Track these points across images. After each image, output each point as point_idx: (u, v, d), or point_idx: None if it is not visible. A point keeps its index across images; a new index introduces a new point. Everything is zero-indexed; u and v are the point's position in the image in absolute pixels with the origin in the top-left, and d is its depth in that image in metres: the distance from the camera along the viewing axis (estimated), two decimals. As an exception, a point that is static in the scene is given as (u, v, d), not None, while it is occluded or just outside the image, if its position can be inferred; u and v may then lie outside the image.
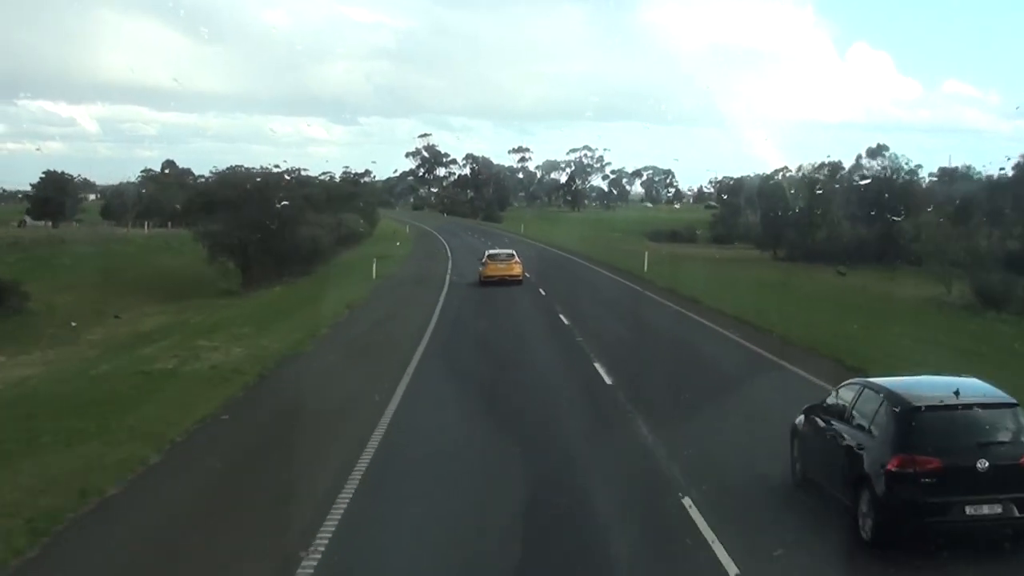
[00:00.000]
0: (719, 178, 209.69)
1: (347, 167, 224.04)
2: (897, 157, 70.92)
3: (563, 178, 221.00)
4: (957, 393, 11.40)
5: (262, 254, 54.27)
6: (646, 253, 55.39)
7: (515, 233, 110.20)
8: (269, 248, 54.15)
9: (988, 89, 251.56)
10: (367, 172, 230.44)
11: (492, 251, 52.86)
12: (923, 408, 11.26)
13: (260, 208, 53.53)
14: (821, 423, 12.93)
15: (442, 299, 41.74)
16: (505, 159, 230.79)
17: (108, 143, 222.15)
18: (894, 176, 68.74)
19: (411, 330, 30.83)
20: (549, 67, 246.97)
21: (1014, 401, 11.51)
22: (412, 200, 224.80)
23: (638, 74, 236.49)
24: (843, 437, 12.14)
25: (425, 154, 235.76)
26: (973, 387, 11.89)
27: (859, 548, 11.11)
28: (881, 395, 11.82)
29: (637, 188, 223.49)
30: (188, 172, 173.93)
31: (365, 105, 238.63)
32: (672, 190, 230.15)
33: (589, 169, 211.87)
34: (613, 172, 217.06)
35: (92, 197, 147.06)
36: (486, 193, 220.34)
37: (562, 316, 34.53)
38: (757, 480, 14.09)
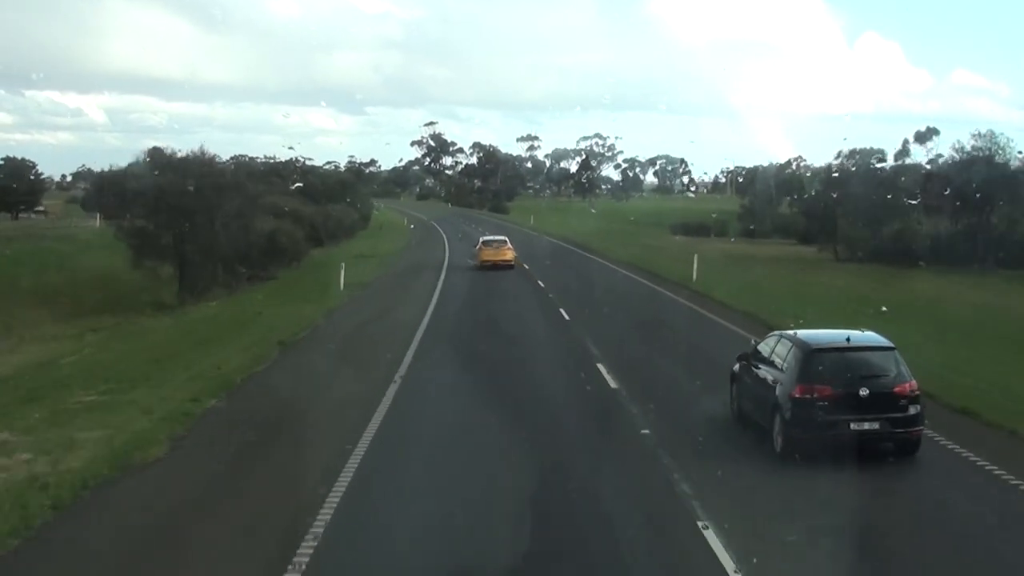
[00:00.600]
0: (731, 168, 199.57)
1: (352, 156, 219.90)
2: (996, 136, 56.87)
3: (573, 167, 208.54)
4: (848, 340, 14.89)
5: (203, 256, 42.04)
6: (695, 257, 42.67)
7: (524, 226, 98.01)
8: (211, 249, 41.93)
9: (998, 80, 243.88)
10: (372, 161, 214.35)
11: (486, 237, 54.97)
12: (819, 349, 14.66)
13: (198, 199, 41.28)
14: (750, 366, 16.13)
15: (420, 333, 28.36)
16: (513, 148, 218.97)
17: (116, 133, 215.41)
18: (990, 158, 55.40)
19: (347, 425, 16.37)
20: (558, 58, 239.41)
21: (892, 346, 14.70)
22: (419, 190, 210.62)
23: (647, 65, 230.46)
24: (764, 375, 15.40)
25: (431, 143, 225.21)
26: (865, 336, 15.19)
27: (772, 459, 14.30)
28: (791, 342, 15.09)
29: (649, 177, 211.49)
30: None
31: (373, 95, 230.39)
32: (685, 179, 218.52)
33: (600, 158, 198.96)
34: (625, 161, 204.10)
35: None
36: (493, 183, 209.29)
37: (643, 428, 16.64)
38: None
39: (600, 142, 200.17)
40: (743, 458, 14.74)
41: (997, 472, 13.68)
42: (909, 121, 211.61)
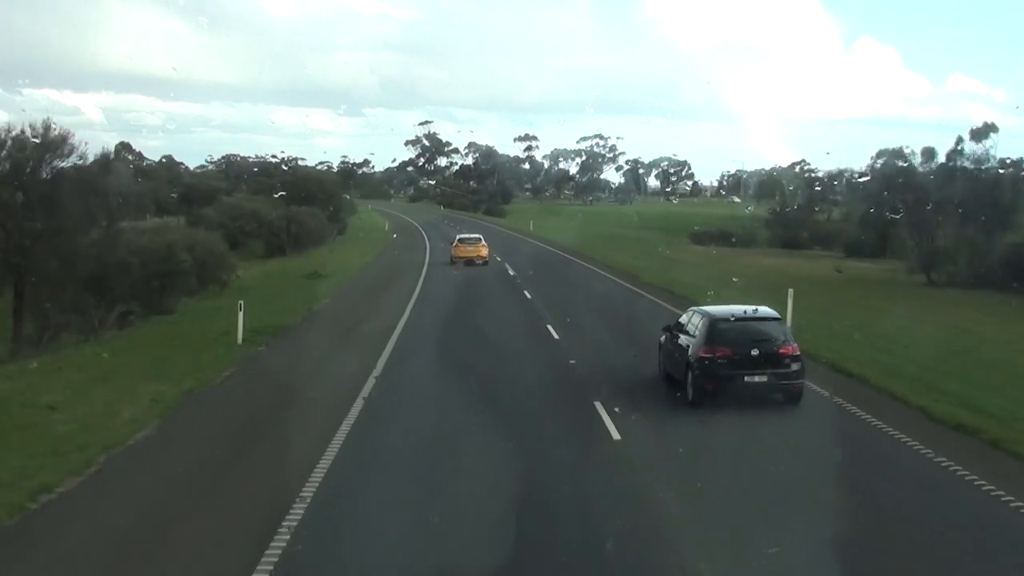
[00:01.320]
0: (732, 172, 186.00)
1: (346, 156, 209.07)
2: None
3: (572, 169, 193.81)
4: (744, 312, 18.25)
5: (52, 285, 27.38)
6: (790, 294, 26.89)
7: (523, 232, 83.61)
8: (66, 274, 27.27)
9: (995, 85, 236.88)
10: (366, 162, 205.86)
11: (461, 235, 56.42)
12: (720, 319, 17.96)
13: (46, 204, 26.65)
14: (672, 335, 19.43)
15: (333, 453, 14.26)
16: (511, 149, 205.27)
17: (112, 132, 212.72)
18: None
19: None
20: (555, 60, 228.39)
21: (778, 316, 18.63)
22: (412, 191, 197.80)
23: (644, 68, 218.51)
24: (681, 341, 18.67)
25: (426, 142, 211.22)
26: (761, 310, 18.42)
27: (685, 406, 17.56)
28: (701, 314, 18.57)
29: (651, 180, 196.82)
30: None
31: (370, 97, 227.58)
32: (689, 183, 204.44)
33: (601, 159, 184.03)
34: (628, 162, 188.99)
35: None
36: (490, 184, 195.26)
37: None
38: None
39: (601, 143, 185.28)
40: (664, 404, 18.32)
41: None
42: (906, 127, 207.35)
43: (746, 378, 17.25)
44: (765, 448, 14.93)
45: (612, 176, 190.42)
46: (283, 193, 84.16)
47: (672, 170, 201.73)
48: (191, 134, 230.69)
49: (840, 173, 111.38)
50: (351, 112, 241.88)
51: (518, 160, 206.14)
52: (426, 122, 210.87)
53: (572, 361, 22.49)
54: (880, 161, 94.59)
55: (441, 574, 9.84)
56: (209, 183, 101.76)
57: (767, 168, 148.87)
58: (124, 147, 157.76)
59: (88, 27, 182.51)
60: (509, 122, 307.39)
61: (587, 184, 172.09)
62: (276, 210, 74.12)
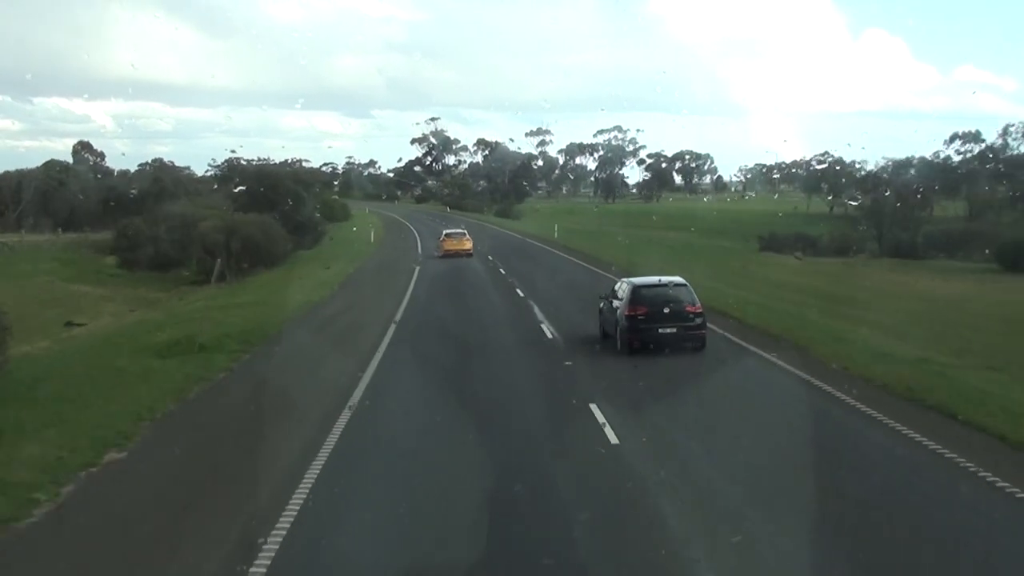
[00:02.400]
0: (750, 165, 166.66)
1: (350, 157, 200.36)
2: None
3: (591, 164, 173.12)
4: (659, 280, 23.12)
5: None
6: None
7: (546, 241, 63.44)
8: None
9: (1004, 75, 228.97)
10: (372, 162, 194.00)
11: (448, 231, 59.32)
12: (641, 286, 22.55)
13: None
14: (607, 300, 23.73)
15: None
16: (523, 144, 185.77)
17: (124, 139, 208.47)
18: None
19: None
20: (562, 59, 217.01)
21: (685, 282, 22.68)
22: (419, 191, 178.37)
23: (652, 64, 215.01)
24: (613, 305, 23.03)
25: (433, 140, 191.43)
26: (673, 278, 23.21)
27: (617, 353, 21.69)
28: (627, 282, 23.21)
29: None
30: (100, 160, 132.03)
31: (378, 99, 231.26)
32: (711, 178, 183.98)
33: (621, 153, 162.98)
34: (650, 156, 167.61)
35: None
36: (500, 182, 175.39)
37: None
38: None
39: (620, 136, 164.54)
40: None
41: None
42: (916, 118, 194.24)
43: (660, 330, 21.56)
44: (671, 369, 20.37)
45: (632, 171, 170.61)
46: (242, 188, 65.73)
47: (694, 164, 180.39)
48: (201, 139, 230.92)
49: (907, 161, 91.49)
50: (359, 114, 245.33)
51: (531, 156, 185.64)
52: (433, 118, 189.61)
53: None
54: (951, 148, 75.30)
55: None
56: (142, 188, 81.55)
57: (785, 161, 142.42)
58: (84, 146, 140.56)
59: (96, 35, 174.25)
60: (518, 121, 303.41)
61: (607, 180, 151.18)
62: (214, 219, 54.49)
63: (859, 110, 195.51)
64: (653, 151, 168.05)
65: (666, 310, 21.50)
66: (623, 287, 22.82)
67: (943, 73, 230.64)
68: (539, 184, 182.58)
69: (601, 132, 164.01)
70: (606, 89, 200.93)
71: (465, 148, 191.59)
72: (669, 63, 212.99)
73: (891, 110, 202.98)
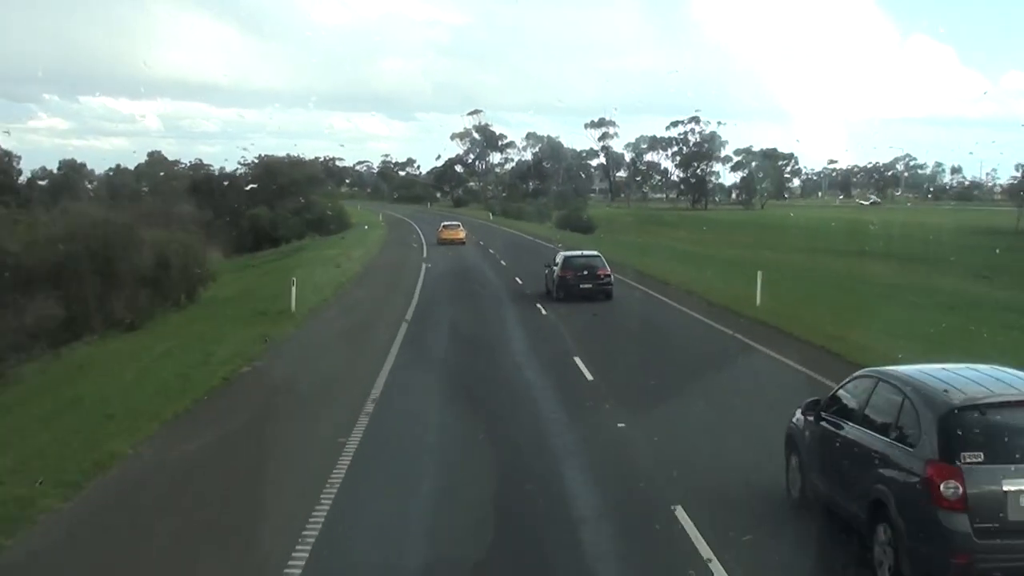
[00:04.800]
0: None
1: (386, 155, 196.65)
2: None
3: (664, 162, 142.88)
4: (581, 253, 32.97)
5: None
6: None
7: (664, 281, 34.15)
8: None
9: None
10: (409, 161, 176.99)
11: (445, 223, 64.16)
12: (569, 256, 31.66)
13: None
14: (550, 270, 32.29)
15: None
16: (578, 140, 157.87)
17: (170, 139, 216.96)
18: None
19: None
20: (606, 62, 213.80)
21: (598, 255, 32.26)
22: (460, 192, 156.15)
23: (696, 68, 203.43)
24: (552, 271, 31.54)
25: (476, 135, 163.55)
26: (589, 252, 33.79)
27: (552, 300, 29.86)
28: (561, 255, 32.31)
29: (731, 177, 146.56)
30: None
31: (423, 101, 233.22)
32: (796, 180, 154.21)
33: (712, 147, 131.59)
34: (737, 153, 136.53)
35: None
36: (554, 183, 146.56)
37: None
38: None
39: (697, 128, 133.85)
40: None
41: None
42: (963, 125, 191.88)
43: (582, 285, 29.71)
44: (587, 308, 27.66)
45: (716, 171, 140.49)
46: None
47: (783, 164, 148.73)
48: (247, 140, 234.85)
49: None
50: (404, 116, 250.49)
51: (592, 152, 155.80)
52: (476, 111, 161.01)
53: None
54: None
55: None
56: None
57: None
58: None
59: (142, 35, 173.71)
60: (562, 124, 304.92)
61: (696, 182, 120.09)
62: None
63: (903, 117, 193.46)
64: (738, 147, 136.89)
65: (584, 273, 30.16)
66: (559, 257, 31.86)
67: (992, 80, 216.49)
68: (592, 187, 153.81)
69: (675, 124, 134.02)
70: (650, 93, 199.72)
71: (512, 144, 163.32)
72: (712, 67, 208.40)
73: (936, 116, 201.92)
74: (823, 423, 9.62)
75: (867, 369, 9.93)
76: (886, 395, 8.85)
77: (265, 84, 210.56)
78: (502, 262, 46.19)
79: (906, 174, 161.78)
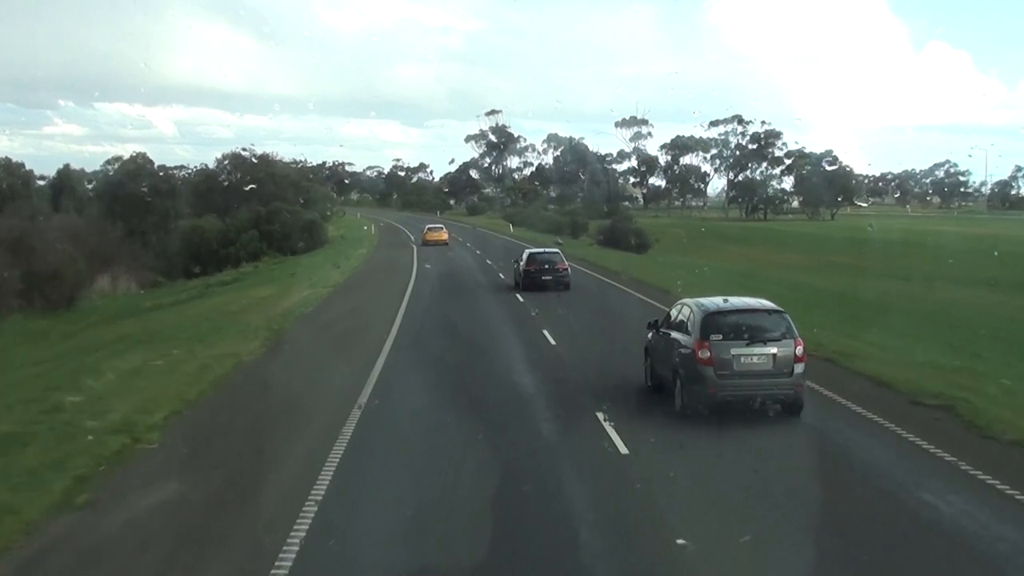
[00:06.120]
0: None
1: (398, 160, 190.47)
2: None
3: (704, 165, 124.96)
4: (543, 250, 38.77)
5: None
6: None
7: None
8: None
9: None
10: (422, 166, 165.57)
11: (430, 225, 67.82)
12: (533, 253, 36.77)
13: None
14: (517, 263, 37.28)
15: None
16: (604, 141, 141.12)
17: (185, 145, 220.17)
18: None
19: None
20: (623, 68, 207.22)
21: (558, 251, 38.40)
22: (475, 199, 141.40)
23: (711, 75, 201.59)
24: (518, 267, 36.61)
25: (492, 137, 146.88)
26: (550, 249, 40.93)
27: (515, 290, 35.64)
28: (526, 251, 38.05)
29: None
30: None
31: (438, 108, 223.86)
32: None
33: (761, 152, 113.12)
34: (789, 156, 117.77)
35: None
36: (579, 189, 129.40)
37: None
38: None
39: (740, 129, 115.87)
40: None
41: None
42: (980, 133, 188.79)
43: (543, 277, 34.23)
44: (553, 297, 31.78)
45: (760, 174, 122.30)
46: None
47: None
48: (262, 146, 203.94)
49: None
50: (418, 123, 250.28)
51: (621, 156, 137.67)
52: (494, 111, 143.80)
53: None
54: None
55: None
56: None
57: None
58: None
59: (158, 42, 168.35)
60: (579, 131, 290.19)
61: (751, 188, 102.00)
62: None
63: (919, 124, 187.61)
64: (791, 149, 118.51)
65: (545, 267, 34.88)
66: (524, 255, 36.26)
67: (1009, 87, 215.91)
68: (626, 194, 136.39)
69: (717, 123, 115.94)
70: (667, 100, 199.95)
71: (531, 147, 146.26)
72: (728, 74, 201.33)
73: (953, 124, 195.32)
74: (660, 333, 16.83)
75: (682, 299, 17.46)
76: (686, 311, 16.04)
77: (279, 91, 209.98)
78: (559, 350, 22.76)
79: (947, 181, 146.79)
